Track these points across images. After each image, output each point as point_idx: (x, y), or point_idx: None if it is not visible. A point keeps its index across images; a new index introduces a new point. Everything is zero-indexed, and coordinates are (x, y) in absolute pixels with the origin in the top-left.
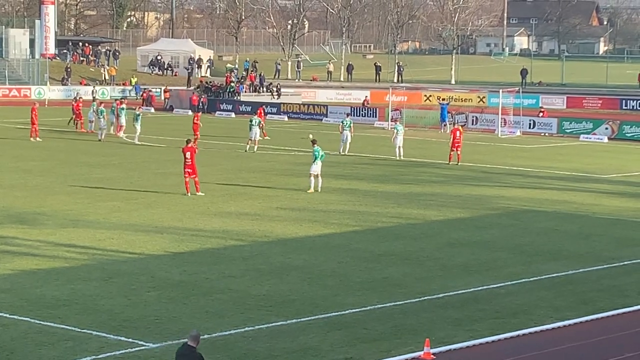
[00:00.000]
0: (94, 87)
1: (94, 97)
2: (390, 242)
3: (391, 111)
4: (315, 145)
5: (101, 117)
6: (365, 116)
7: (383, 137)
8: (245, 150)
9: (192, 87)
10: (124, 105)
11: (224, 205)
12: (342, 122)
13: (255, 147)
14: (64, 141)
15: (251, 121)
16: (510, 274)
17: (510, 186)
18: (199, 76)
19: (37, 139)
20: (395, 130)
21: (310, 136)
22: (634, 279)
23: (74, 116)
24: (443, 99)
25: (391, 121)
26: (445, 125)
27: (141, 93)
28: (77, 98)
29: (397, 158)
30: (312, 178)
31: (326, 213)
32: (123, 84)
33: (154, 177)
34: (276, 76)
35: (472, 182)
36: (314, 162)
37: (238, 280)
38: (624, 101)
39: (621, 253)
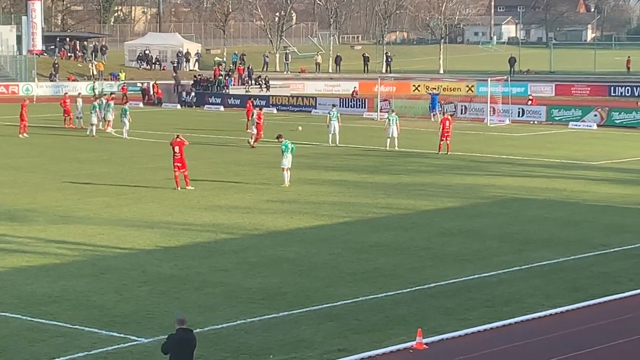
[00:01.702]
0: (93, 82)
1: (94, 93)
2: (381, 232)
3: (380, 102)
4: (282, 139)
5: (93, 112)
6: (354, 107)
7: (373, 127)
8: (248, 141)
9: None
10: (112, 101)
11: (214, 198)
12: (328, 113)
13: (253, 141)
14: (52, 137)
15: (252, 115)
16: (501, 263)
17: (500, 175)
18: (187, 70)
19: (25, 134)
20: (388, 120)
21: (300, 128)
22: (625, 265)
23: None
24: (433, 88)
25: (380, 111)
26: (435, 113)
27: (121, 87)
28: (103, 93)
29: (388, 148)
30: (285, 172)
31: (317, 205)
32: (115, 79)
33: (143, 171)
34: (264, 69)
35: (462, 172)
36: (283, 156)
37: (229, 274)
38: (612, 88)
39: (611, 239)
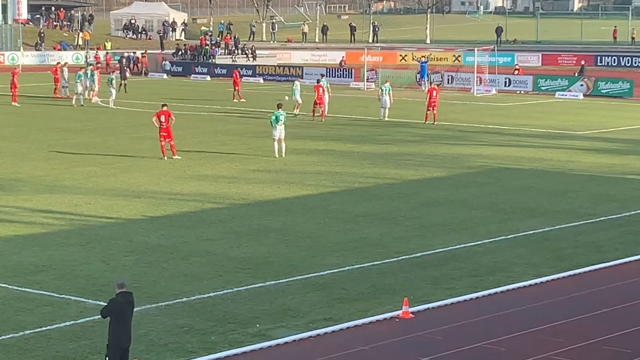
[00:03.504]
0: (87, 52)
1: (87, 62)
2: (367, 202)
3: (367, 71)
4: (280, 109)
5: (78, 82)
6: (341, 77)
7: (359, 97)
8: (295, 115)
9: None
10: (97, 70)
11: (201, 168)
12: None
13: (297, 110)
14: (39, 107)
15: (294, 84)
16: (487, 232)
17: (486, 144)
18: (174, 39)
19: (15, 103)
20: (381, 90)
21: (286, 98)
22: (610, 234)
23: (124, 81)
24: (422, 57)
25: (367, 81)
26: (423, 82)
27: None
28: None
29: (382, 118)
30: (276, 143)
31: (303, 175)
32: (97, 49)
33: (130, 141)
34: (251, 38)
35: (449, 141)
36: (274, 126)
37: (216, 243)
38: (598, 57)
39: (597, 209)
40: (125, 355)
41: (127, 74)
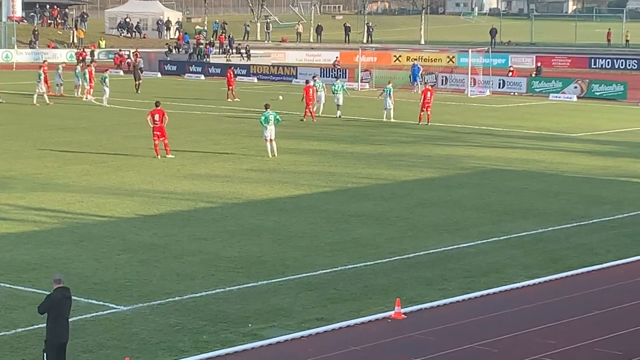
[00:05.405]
0: (91, 49)
1: (91, 60)
2: (360, 202)
3: (361, 72)
4: (268, 109)
5: (38, 82)
6: (334, 77)
7: (353, 98)
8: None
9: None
10: (89, 68)
11: (194, 167)
12: (313, 85)
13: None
14: (31, 105)
15: (336, 85)
16: (480, 233)
17: (479, 146)
18: (168, 38)
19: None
20: (383, 92)
21: (281, 97)
22: (603, 236)
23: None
24: (414, 59)
25: (361, 82)
26: (416, 84)
27: (77, 52)
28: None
29: (384, 119)
30: (268, 143)
31: (296, 174)
32: (92, 47)
33: (123, 140)
34: (245, 38)
35: (442, 142)
36: (264, 127)
37: (209, 243)
38: (592, 60)
39: (590, 211)
40: (62, 350)
41: (141, 74)
